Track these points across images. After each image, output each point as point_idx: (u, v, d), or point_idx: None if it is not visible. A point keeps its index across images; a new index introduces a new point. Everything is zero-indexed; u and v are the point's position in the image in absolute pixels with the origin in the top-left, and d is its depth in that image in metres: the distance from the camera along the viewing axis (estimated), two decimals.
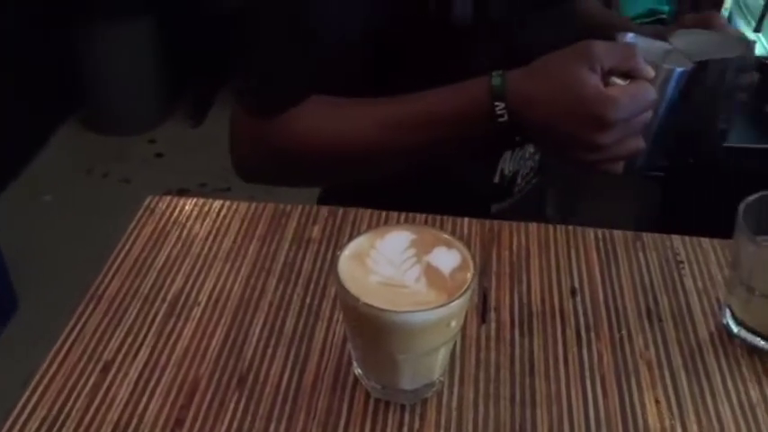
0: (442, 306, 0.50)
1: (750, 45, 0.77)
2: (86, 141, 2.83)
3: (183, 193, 2.58)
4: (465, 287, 0.51)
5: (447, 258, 0.54)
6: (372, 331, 0.52)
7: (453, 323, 0.52)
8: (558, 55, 0.70)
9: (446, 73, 0.74)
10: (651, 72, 0.68)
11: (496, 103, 0.70)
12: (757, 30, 1.36)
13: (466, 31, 0.77)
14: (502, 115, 0.70)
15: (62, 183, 2.51)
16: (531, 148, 0.92)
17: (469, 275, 0.52)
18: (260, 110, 0.76)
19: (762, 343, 0.60)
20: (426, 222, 0.72)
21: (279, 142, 0.75)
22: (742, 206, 0.59)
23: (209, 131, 2.88)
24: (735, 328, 0.61)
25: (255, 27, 0.76)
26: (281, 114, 0.74)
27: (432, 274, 0.53)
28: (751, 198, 0.60)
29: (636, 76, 0.68)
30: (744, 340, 0.60)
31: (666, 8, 1.53)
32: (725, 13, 1.41)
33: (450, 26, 0.76)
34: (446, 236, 0.56)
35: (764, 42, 1.35)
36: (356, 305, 0.51)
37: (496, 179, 0.91)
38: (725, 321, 0.62)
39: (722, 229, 0.73)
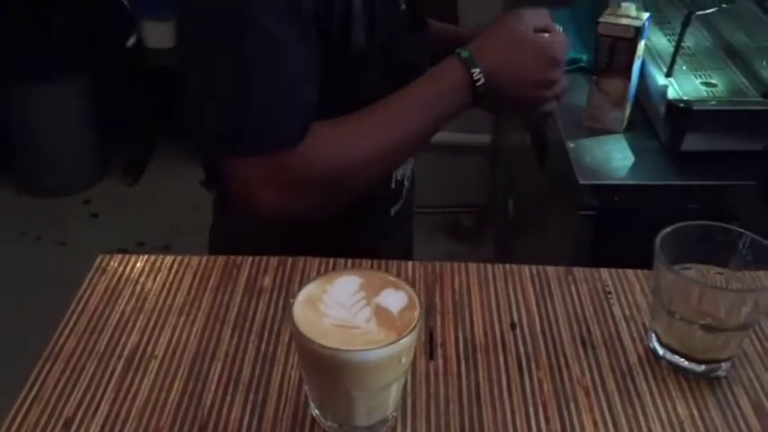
0: (392, 343, 0.54)
1: None
2: (19, 204, 2.79)
3: (121, 252, 2.56)
4: (413, 325, 0.55)
5: (395, 299, 0.58)
6: (329, 371, 0.55)
7: (404, 359, 0.56)
8: (500, 25, 0.88)
9: (346, 89, 0.86)
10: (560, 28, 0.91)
11: (473, 70, 0.84)
12: (668, 75, 1.45)
13: (362, 54, 0.87)
14: (479, 79, 0.84)
15: None
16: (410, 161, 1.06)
17: (416, 314, 0.56)
18: (275, 147, 0.76)
19: (685, 363, 0.65)
20: (372, 266, 0.76)
21: (300, 174, 0.78)
22: (658, 238, 0.65)
23: (146, 189, 2.88)
24: (660, 351, 0.66)
25: (241, 75, 0.77)
26: (293, 149, 0.76)
27: (381, 314, 0.57)
28: (666, 230, 0.66)
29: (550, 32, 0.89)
30: (669, 362, 0.66)
31: (585, 57, 1.62)
32: (638, 61, 1.50)
33: (349, 50, 0.85)
34: (393, 278, 0.60)
35: (675, 86, 1.44)
36: (312, 347, 0.54)
37: (393, 185, 1.01)
38: (651, 345, 0.67)
39: (647, 260, 0.80)
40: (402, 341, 0.54)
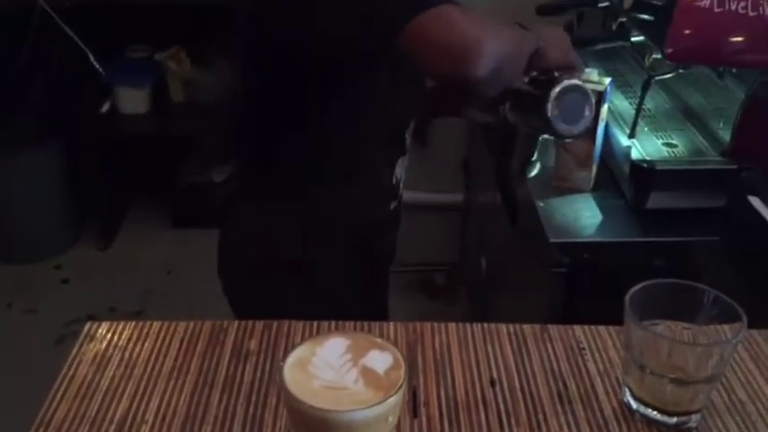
0: (379, 403, 0.56)
1: None
2: (6, 277, 2.76)
3: (91, 318, 2.53)
4: (398, 385, 0.57)
5: (381, 360, 0.60)
6: (319, 431, 0.57)
7: (390, 418, 0.58)
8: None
9: None
10: None
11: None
12: (631, 136, 1.51)
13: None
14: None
15: None
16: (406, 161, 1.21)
17: (402, 373, 0.59)
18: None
19: (657, 416, 0.68)
20: (355, 328, 0.78)
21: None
22: (628, 296, 0.68)
23: (117, 254, 2.86)
24: (633, 404, 0.69)
25: None
26: None
27: (368, 374, 0.59)
28: (635, 288, 0.69)
29: None
30: (642, 415, 0.68)
31: None
32: (602, 123, 1.57)
33: None
34: (378, 340, 0.62)
35: (638, 147, 1.50)
36: (303, 408, 0.56)
37: (393, 181, 1.17)
38: (625, 399, 0.70)
39: (619, 315, 0.83)
40: (389, 401, 0.56)
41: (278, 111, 1.11)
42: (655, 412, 0.68)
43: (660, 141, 1.53)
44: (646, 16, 1.35)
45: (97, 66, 2.51)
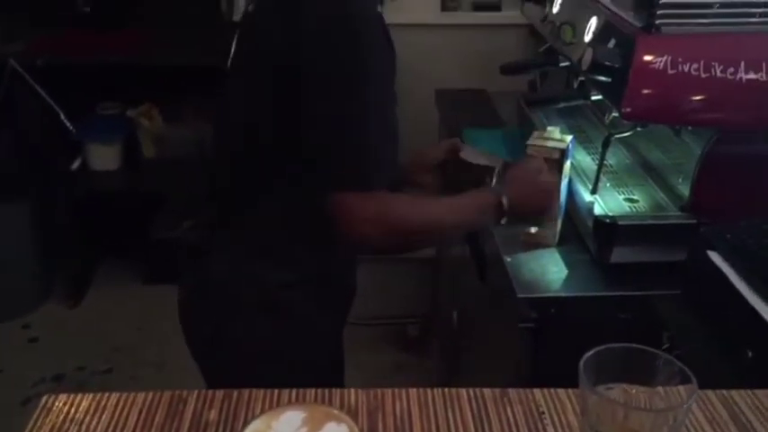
0: None
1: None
2: None
3: (59, 378, 2.51)
4: None
5: None
6: None
7: None
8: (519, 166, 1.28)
9: None
10: None
11: (503, 198, 1.22)
12: (593, 192, 1.55)
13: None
14: (504, 203, 1.22)
15: None
16: None
17: None
18: (375, 188, 1.04)
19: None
20: (316, 397, 0.79)
21: (396, 215, 1.08)
22: (582, 362, 0.69)
23: (87, 312, 2.84)
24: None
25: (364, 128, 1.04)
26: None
27: None
28: (589, 354, 0.71)
29: None
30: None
31: None
32: (564, 179, 1.60)
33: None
34: (335, 411, 0.62)
35: (601, 203, 1.53)
36: None
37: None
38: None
39: None
40: None
41: (253, 177, 1.15)
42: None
43: (622, 197, 1.57)
44: (602, 78, 1.39)
45: (68, 124, 2.52)
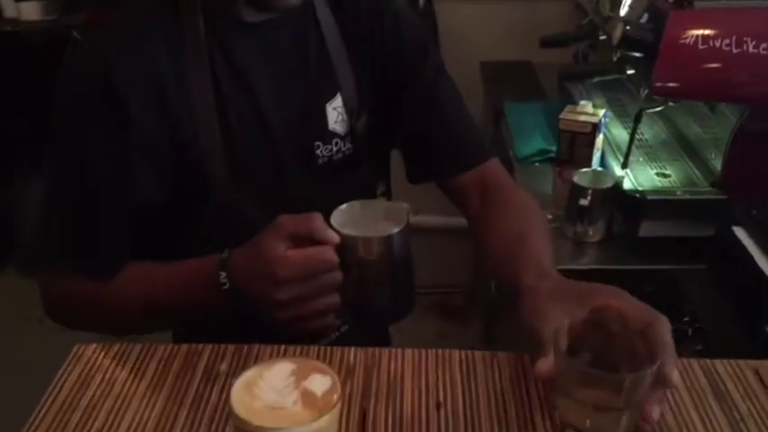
0: (312, 422, 0.62)
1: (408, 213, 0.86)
2: (24, 288, 2.88)
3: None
4: (331, 406, 0.64)
5: (320, 383, 0.66)
6: None
7: None
8: (259, 235, 0.83)
9: (214, 232, 0.93)
10: (333, 237, 0.80)
11: (220, 272, 0.85)
12: (624, 166, 1.56)
13: (227, 200, 0.95)
14: (224, 283, 0.84)
15: None
16: None
17: (336, 397, 0.65)
18: (91, 276, 0.93)
19: None
20: (318, 353, 0.85)
21: (90, 300, 0.94)
22: (554, 330, 0.73)
23: None
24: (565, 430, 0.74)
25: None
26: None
27: (307, 396, 0.65)
28: (562, 324, 0.74)
29: (319, 241, 0.80)
30: None
31: (554, 147, 1.74)
32: (597, 153, 1.61)
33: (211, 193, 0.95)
34: (321, 365, 0.68)
35: (631, 177, 1.54)
36: (243, 426, 0.62)
37: None
38: (558, 423, 0.75)
39: None
40: (321, 419, 0.62)
41: None
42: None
43: (654, 171, 1.57)
44: (633, 52, 1.40)
45: None
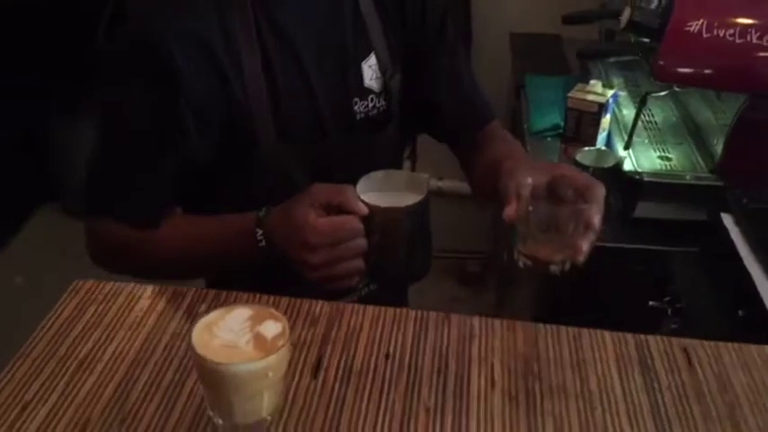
0: (259, 360, 0.71)
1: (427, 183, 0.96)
2: (63, 225, 3.02)
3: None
4: (278, 348, 0.72)
5: (272, 328, 0.74)
6: (213, 380, 0.72)
7: (270, 374, 0.72)
8: (294, 197, 0.92)
9: (259, 198, 0.97)
10: (362, 209, 0.88)
11: (257, 230, 0.93)
12: (626, 148, 1.60)
13: (271, 157, 1.01)
14: (261, 240, 0.93)
15: (35, 265, 2.69)
16: None
17: (282, 341, 0.73)
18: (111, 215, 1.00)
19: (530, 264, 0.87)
20: (288, 304, 0.93)
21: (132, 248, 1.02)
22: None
23: None
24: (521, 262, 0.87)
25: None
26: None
27: (259, 339, 0.73)
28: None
29: (348, 211, 0.88)
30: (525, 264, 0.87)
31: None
32: (603, 133, 1.65)
33: (257, 148, 1.00)
34: (276, 313, 0.76)
35: (633, 159, 1.58)
36: (200, 361, 0.71)
37: None
38: (515, 257, 0.88)
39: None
40: (268, 359, 0.71)
41: None
42: (529, 261, 0.87)
43: (657, 154, 1.60)
44: (638, 37, 1.43)
45: None
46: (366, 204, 0.89)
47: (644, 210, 1.51)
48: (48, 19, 2.67)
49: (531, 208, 0.86)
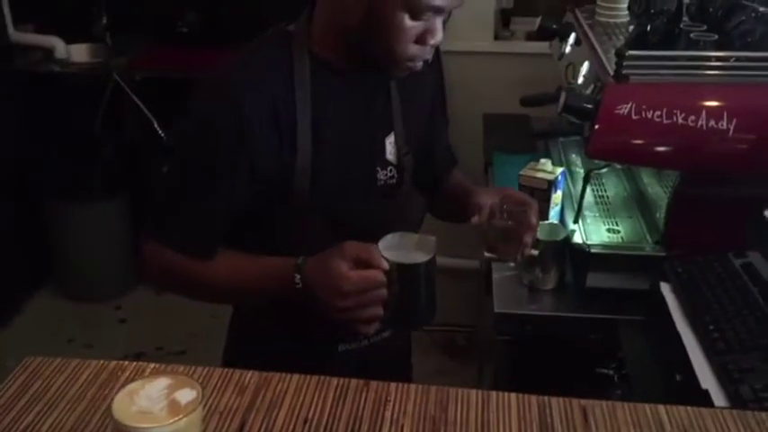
0: (170, 423, 0.77)
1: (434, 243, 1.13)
2: (57, 308, 3.11)
3: (139, 356, 2.83)
4: (188, 412, 0.79)
5: (187, 395, 0.81)
6: None
7: None
8: (329, 251, 1.09)
9: (285, 239, 1.18)
10: (384, 264, 1.07)
11: (296, 275, 1.11)
12: (575, 221, 1.67)
13: (303, 207, 1.18)
14: (298, 284, 1.11)
15: (26, 348, 2.75)
16: None
17: (194, 406, 0.80)
18: (188, 253, 1.16)
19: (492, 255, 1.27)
20: (220, 376, 1.00)
21: (185, 274, 1.18)
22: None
23: (172, 299, 3.14)
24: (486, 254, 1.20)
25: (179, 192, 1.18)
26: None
27: (173, 405, 0.80)
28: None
29: (374, 266, 1.06)
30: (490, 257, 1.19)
31: None
32: (556, 207, 1.73)
33: (289, 202, 1.17)
34: (193, 382, 0.83)
35: (582, 232, 1.66)
36: (116, 425, 0.78)
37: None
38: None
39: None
40: (178, 422, 0.77)
41: None
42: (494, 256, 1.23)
43: (605, 227, 1.68)
44: (573, 119, 1.52)
45: (160, 131, 2.86)
46: (387, 260, 1.06)
47: (594, 280, 1.58)
48: None
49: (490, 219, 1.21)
